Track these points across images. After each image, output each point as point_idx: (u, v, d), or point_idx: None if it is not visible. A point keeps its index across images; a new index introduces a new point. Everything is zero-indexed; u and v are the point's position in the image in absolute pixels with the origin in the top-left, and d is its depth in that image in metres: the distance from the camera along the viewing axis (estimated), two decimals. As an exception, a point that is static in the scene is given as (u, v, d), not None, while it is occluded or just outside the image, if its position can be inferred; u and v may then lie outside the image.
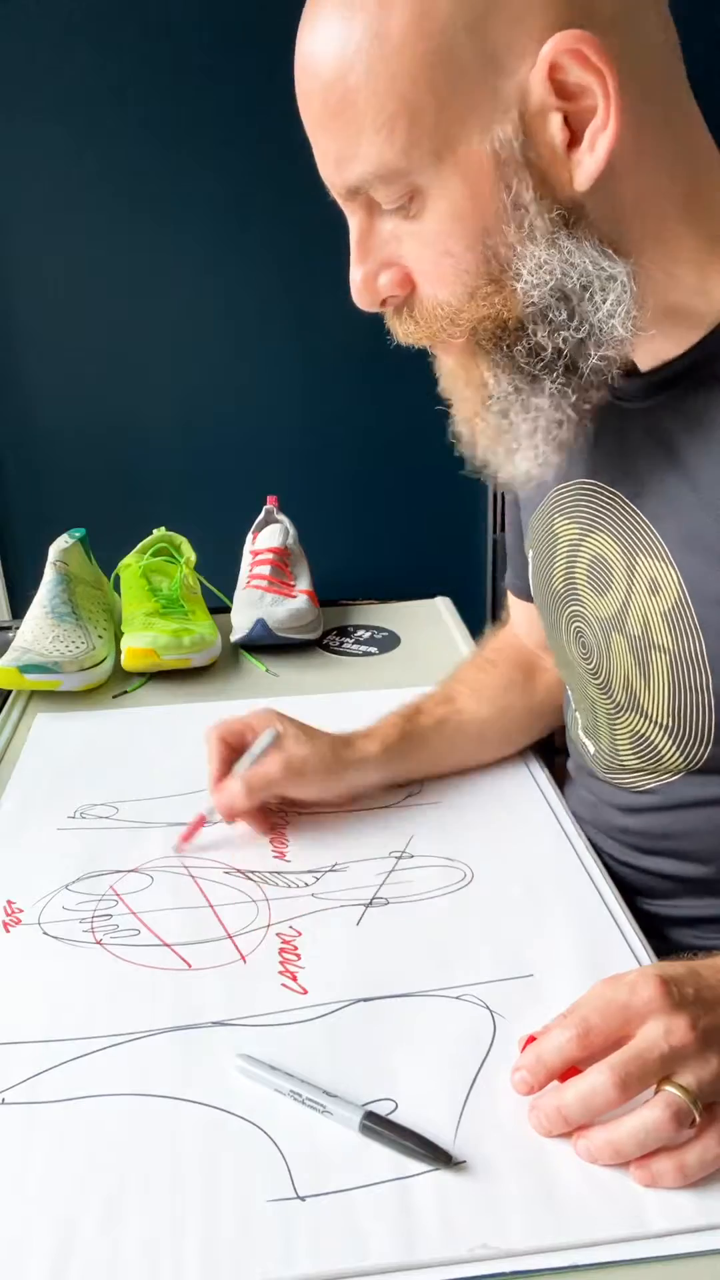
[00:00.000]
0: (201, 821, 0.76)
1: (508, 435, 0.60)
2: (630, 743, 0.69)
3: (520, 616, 0.91)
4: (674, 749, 0.66)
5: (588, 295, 0.55)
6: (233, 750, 0.77)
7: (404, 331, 0.60)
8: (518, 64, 0.50)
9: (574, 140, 0.52)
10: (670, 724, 0.65)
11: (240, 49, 1.48)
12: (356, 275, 0.58)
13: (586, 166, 0.52)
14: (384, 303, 0.59)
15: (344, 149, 0.54)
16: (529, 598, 0.86)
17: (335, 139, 0.54)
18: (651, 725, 0.66)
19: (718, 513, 0.59)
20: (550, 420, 0.58)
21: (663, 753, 0.67)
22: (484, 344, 0.58)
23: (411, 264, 0.57)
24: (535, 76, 0.50)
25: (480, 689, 0.87)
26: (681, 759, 0.66)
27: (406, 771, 0.81)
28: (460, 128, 0.52)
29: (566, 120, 0.51)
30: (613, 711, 0.70)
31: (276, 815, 0.80)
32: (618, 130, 0.51)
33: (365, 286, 0.58)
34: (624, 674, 0.67)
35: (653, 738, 0.67)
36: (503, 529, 1.05)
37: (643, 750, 0.68)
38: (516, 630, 0.92)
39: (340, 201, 0.58)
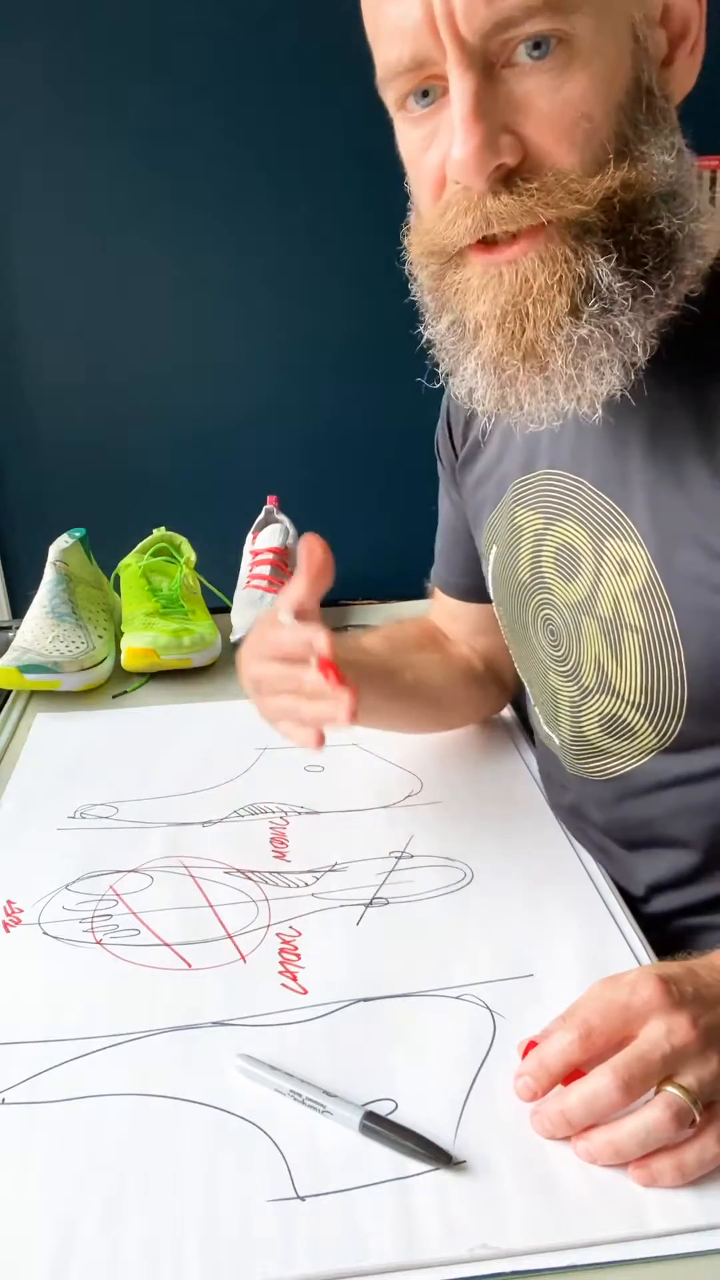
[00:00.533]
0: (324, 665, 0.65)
1: (599, 343, 0.54)
2: (600, 725, 0.69)
3: (448, 610, 0.91)
4: (647, 725, 0.66)
5: (693, 193, 0.55)
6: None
7: (505, 208, 0.52)
8: None
9: (667, 59, 0.54)
10: (642, 701, 0.65)
11: (241, 49, 1.48)
12: (474, 134, 0.50)
13: (680, 83, 0.54)
14: (495, 170, 0.52)
15: None
16: (462, 595, 0.88)
17: None
18: (623, 704, 0.67)
19: (687, 492, 0.59)
20: (652, 324, 0.55)
21: (636, 731, 0.67)
22: (603, 226, 0.52)
23: (533, 129, 0.51)
24: None
25: (390, 636, 0.86)
26: (654, 736, 0.66)
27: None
28: None
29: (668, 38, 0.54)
30: (579, 698, 0.70)
31: (276, 815, 0.80)
32: (700, 58, 0.53)
33: (486, 145, 0.51)
34: (595, 656, 0.67)
35: (625, 716, 0.67)
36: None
37: (615, 731, 0.68)
38: (442, 622, 0.93)
39: (457, 57, 0.50)
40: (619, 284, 0.53)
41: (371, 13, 0.54)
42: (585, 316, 0.53)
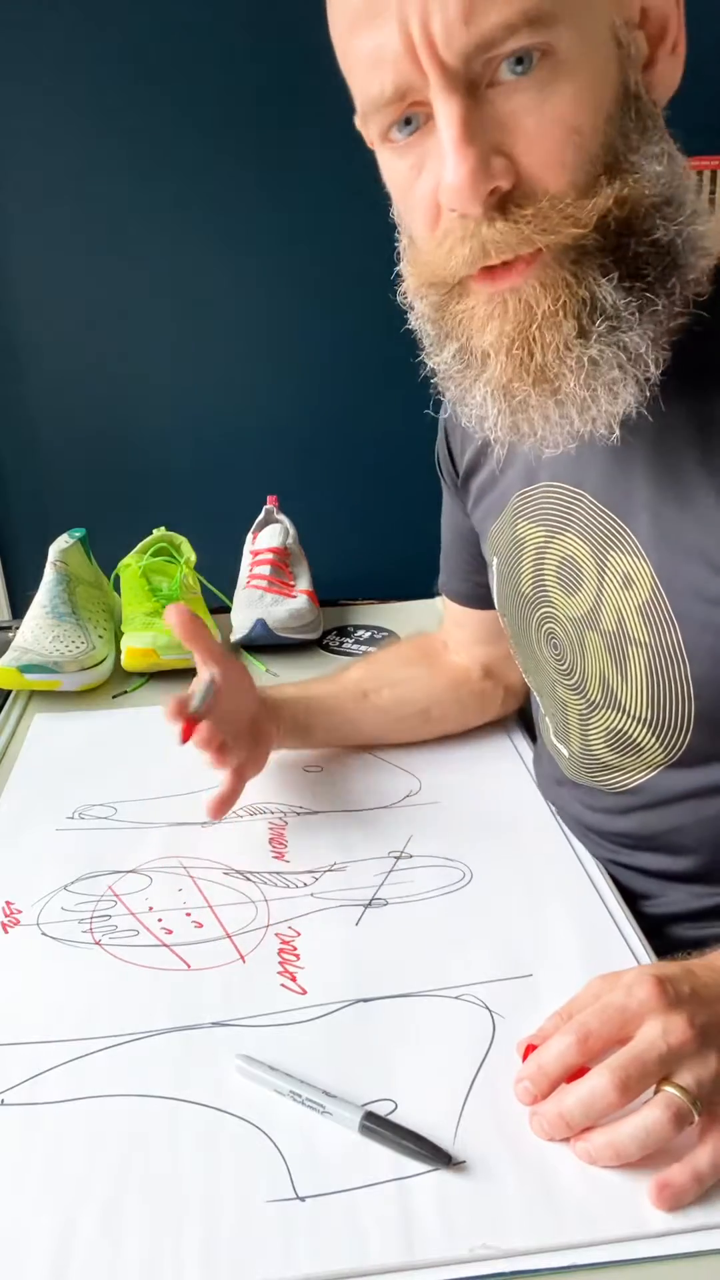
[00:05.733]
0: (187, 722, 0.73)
1: (609, 362, 0.53)
2: (607, 741, 0.69)
3: (452, 616, 0.93)
4: (654, 741, 0.66)
5: (688, 196, 0.54)
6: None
7: (501, 236, 0.51)
8: None
9: (649, 61, 0.53)
10: (649, 716, 0.65)
11: (241, 49, 1.47)
12: (466, 160, 0.49)
13: (663, 85, 0.54)
14: (489, 195, 0.50)
15: None
16: (466, 601, 0.89)
17: None
18: (629, 720, 0.66)
19: (691, 507, 0.59)
20: (661, 334, 0.54)
21: (643, 746, 0.67)
22: (599, 246, 0.52)
23: (522, 150, 0.50)
24: None
25: (374, 660, 0.93)
26: (662, 751, 0.66)
27: (305, 734, 0.85)
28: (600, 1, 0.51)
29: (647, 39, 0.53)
30: (586, 711, 0.70)
31: (275, 815, 0.80)
32: (683, 59, 0.52)
33: (479, 170, 0.49)
34: (599, 671, 0.67)
35: (631, 732, 0.67)
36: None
37: (621, 746, 0.68)
38: (448, 629, 0.95)
39: (440, 83, 0.49)
40: (623, 300, 0.52)
41: (344, 45, 0.52)
42: (594, 337, 0.53)
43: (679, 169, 0.54)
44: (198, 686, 0.74)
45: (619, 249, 0.52)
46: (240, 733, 0.78)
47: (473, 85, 0.50)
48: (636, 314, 0.53)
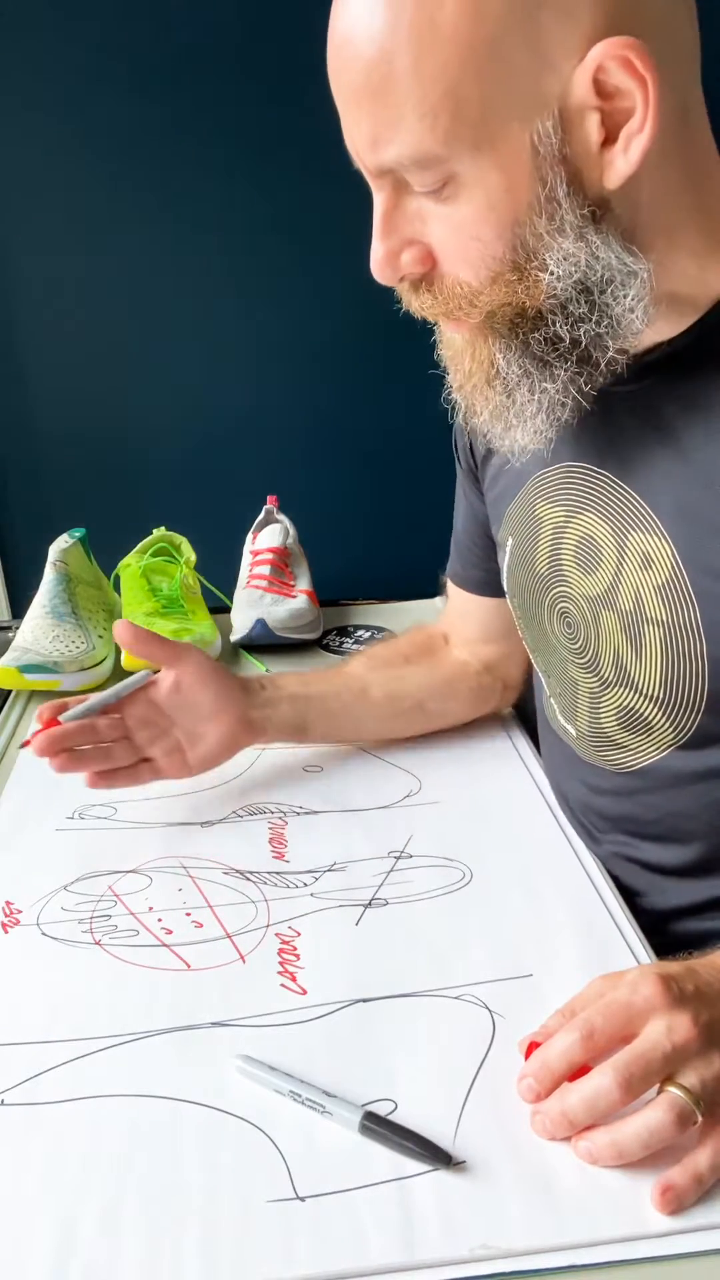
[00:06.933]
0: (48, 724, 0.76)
1: (509, 412, 0.61)
2: (618, 719, 0.69)
3: (458, 604, 0.94)
4: (664, 720, 0.66)
5: (609, 290, 0.55)
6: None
7: (419, 305, 0.60)
8: (564, 61, 0.50)
9: (608, 139, 0.52)
10: (661, 695, 0.66)
11: (242, 49, 1.47)
12: (379, 250, 0.58)
13: (619, 167, 0.53)
14: (402, 279, 0.59)
15: (381, 130, 0.53)
16: (474, 589, 0.90)
17: (372, 119, 0.53)
18: (641, 698, 0.67)
19: (712, 485, 0.60)
20: (555, 402, 0.60)
21: (653, 725, 0.67)
22: (498, 327, 0.58)
23: (436, 244, 0.57)
24: (580, 76, 0.50)
25: (375, 656, 0.93)
26: (672, 731, 0.66)
27: (300, 730, 0.86)
28: (502, 119, 0.51)
29: (602, 120, 0.52)
30: (598, 689, 0.70)
31: (275, 815, 0.80)
32: (653, 134, 0.51)
33: (387, 262, 0.58)
34: (614, 650, 0.68)
35: (643, 710, 0.67)
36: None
37: (632, 724, 0.69)
38: (451, 620, 0.96)
39: (368, 177, 0.57)
40: (515, 373, 0.59)
41: None
42: (497, 390, 0.61)
43: (605, 260, 0.55)
44: (123, 682, 0.79)
45: (510, 335, 0.59)
46: (198, 724, 0.80)
47: (398, 183, 0.56)
48: (529, 389, 0.60)
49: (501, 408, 0.61)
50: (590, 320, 0.56)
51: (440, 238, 0.57)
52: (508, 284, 0.56)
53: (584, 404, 0.60)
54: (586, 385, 0.59)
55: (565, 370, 0.58)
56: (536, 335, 0.58)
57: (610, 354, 0.58)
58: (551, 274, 0.55)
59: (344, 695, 0.87)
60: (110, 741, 0.78)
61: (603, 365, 0.58)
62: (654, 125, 0.51)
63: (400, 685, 0.89)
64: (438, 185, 0.54)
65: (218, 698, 0.80)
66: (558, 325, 0.57)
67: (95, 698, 0.78)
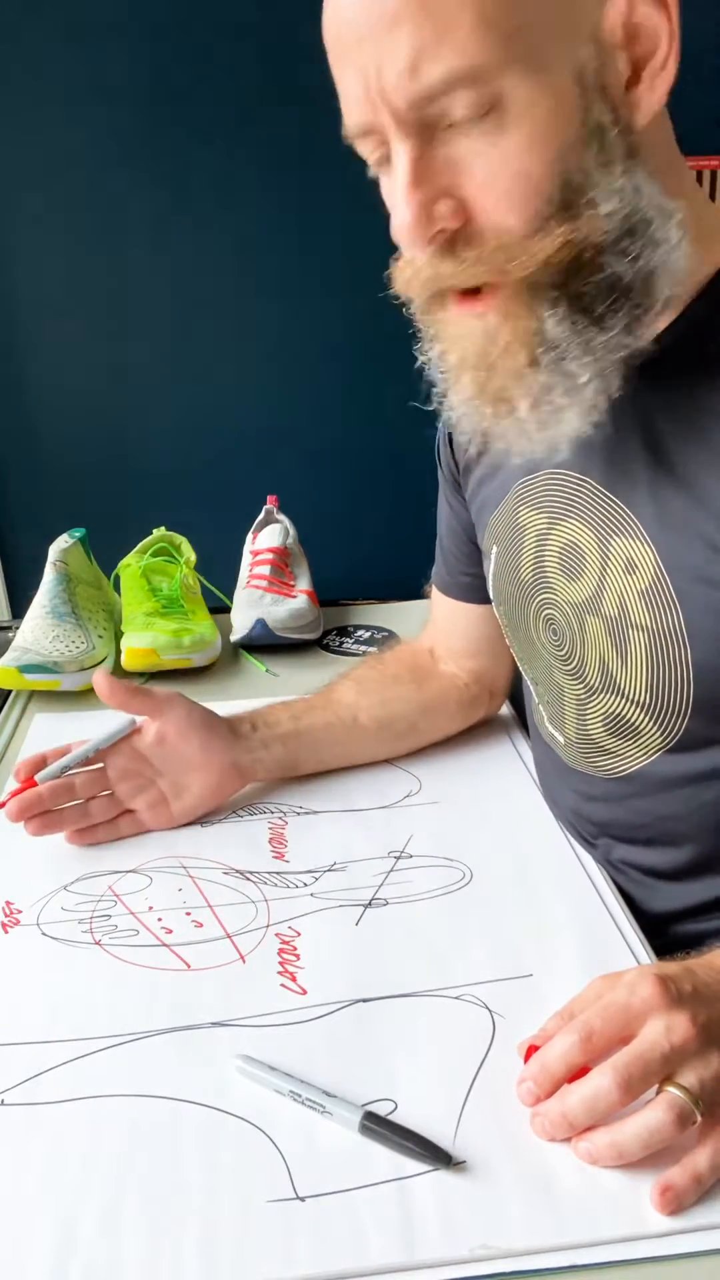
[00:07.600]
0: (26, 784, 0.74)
1: (557, 391, 0.56)
2: (605, 725, 0.69)
3: (444, 613, 0.93)
4: (652, 725, 0.66)
5: (655, 227, 0.54)
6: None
7: (450, 272, 0.55)
8: None
9: (632, 80, 0.53)
10: (647, 700, 0.65)
11: (242, 49, 1.48)
12: (410, 205, 0.52)
13: (647, 103, 0.53)
14: (434, 237, 0.54)
15: (427, 45, 0.49)
16: (460, 595, 0.89)
17: (416, 36, 0.49)
18: (628, 704, 0.67)
19: (694, 491, 0.60)
20: (607, 362, 0.56)
21: (640, 730, 0.67)
22: (548, 280, 0.54)
23: (474, 191, 0.53)
24: (614, 10, 0.51)
25: (363, 679, 0.90)
26: (659, 735, 0.66)
27: (292, 768, 0.84)
28: (551, 41, 0.50)
29: (629, 59, 0.52)
30: (584, 696, 0.70)
31: (275, 815, 0.80)
32: (674, 73, 0.52)
33: (422, 213, 0.52)
34: (599, 655, 0.68)
35: (629, 716, 0.67)
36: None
37: (619, 730, 0.68)
38: (436, 632, 0.95)
39: (394, 127, 0.52)
40: (565, 334, 0.55)
41: (334, 72, 0.55)
42: (544, 365, 0.56)
43: (648, 197, 0.54)
44: (104, 732, 0.77)
45: (564, 286, 0.54)
46: (184, 775, 0.78)
47: (426, 128, 0.52)
48: (581, 349, 0.55)
49: (546, 389, 0.56)
50: (642, 259, 0.54)
51: (481, 181, 0.52)
52: (559, 225, 0.52)
53: (633, 362, 0.57)
54: (635, 337, 0.56)
55: (619, 320, 0.55)
56: (592, 282, 0.54)
57: (665, 294, 0.55)
58: (603, 209, 0.52)
59: (335, 728, 0.85)
60: (88, 799, 0.76)
61: (655, 309, 0.56)
62: (675, 63, 0.52)
63: (390, 709, 0.87)
64: (483, 109, 0.50)
65: (204, 747, 0.78)
66: (614, 264, 0.54)
67: (75, 752, 0.75)
